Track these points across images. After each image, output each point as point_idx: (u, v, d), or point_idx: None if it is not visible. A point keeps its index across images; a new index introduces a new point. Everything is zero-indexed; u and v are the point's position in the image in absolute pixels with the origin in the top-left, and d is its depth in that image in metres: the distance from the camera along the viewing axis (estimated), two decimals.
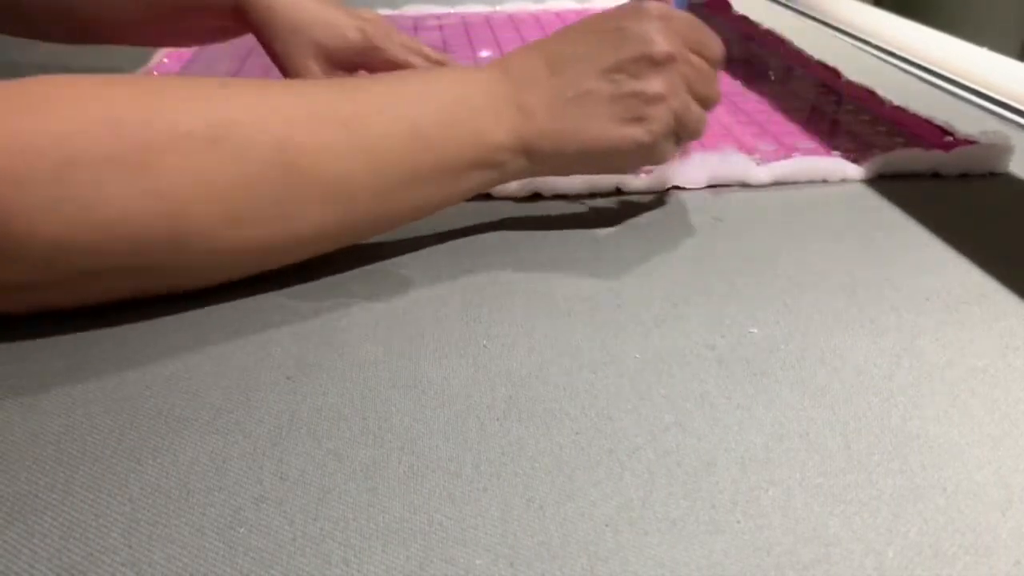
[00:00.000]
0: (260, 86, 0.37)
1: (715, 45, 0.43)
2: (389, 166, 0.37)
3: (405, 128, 0.37)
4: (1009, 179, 0.51)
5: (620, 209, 0.47)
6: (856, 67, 0.68)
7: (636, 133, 0.40)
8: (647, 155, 0.41)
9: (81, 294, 0.36)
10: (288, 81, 0.38)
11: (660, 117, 0.40)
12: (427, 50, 0.59)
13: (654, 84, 0.39)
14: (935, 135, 0.54)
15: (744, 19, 0.84)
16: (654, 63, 0.39)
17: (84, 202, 0.31)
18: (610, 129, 0.40)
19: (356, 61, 0.57)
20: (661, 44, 0.39)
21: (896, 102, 0.59)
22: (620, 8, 0.41)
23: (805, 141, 0.55)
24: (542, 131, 0.39)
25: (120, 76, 0.33)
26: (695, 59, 0.41)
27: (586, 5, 0.94)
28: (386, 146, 0.36)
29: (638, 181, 0.49)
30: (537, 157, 0.40)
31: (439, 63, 0.57)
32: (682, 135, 0.42)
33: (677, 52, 0.40)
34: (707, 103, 0.43)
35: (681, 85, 0.40)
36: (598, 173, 0.43)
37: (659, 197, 0.49)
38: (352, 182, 0.36)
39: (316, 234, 0.37)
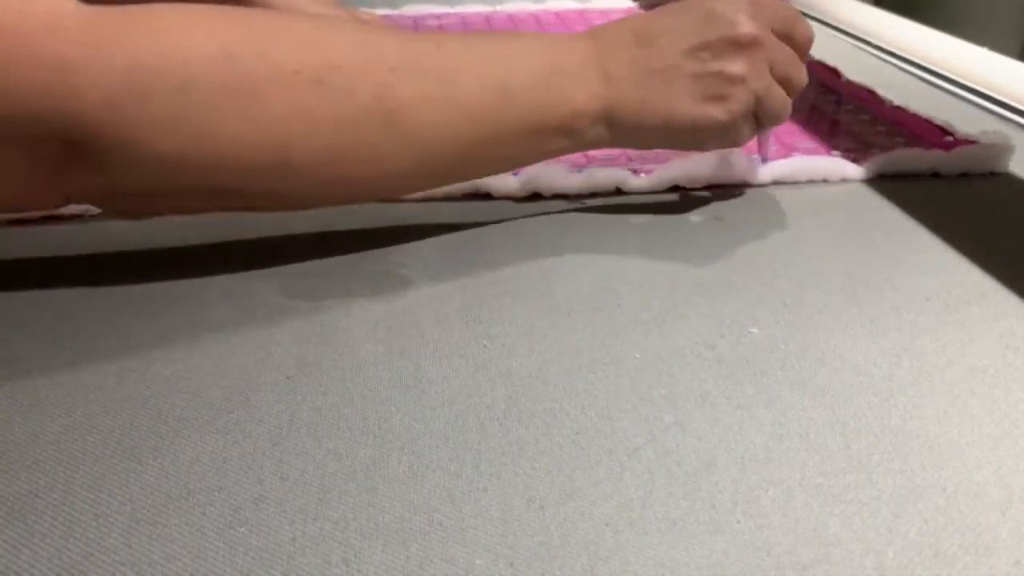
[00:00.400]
0: (365, 32, 0.38)
1: (804, 30, 0.43)
2: (478, 122, 0.38)
3: (496, 87, 0.38)
4: (1009, 179, 0.51)
5: (619, 209, 0.47)
6: (856, 67, 0.68)
7: (715, 111, 0.40)
8: (724, 135, 0.42)
9: (192, 206, 0.40)
10: (393, 29, 0.40)
11: (740, 98, 0.40)
12: None
13: (737, 65, 0.40)
14: (935, 135, 0.54)
15: None
16: (739, 45, 0.40)
17: (199, 123, 0.33)
18: (690, 105, 0.40)
19: None
20: (747, 27, 0.40)
21: (896, 102, 0.59)
22: None
23: (805, 141, 0.55)
24: (624, 98, 0.40)
25: (231, 9, 0.35)
26: (780, 43, 0.42)
27: (586, 5, 0.94)
28: (477, 103, 0.38)
29: (638, 181, 0.49)
30: (618, 126, 0.41)
31: None
32: (763, 119, 0.42)
33: (763, 35, 0.41)
34: (792, 87, 0.43)
35: (764, 68, 0.41)
36: (676, 148, 0.44)
37: (659, 197, 0.49)
38: (442, 134, 0.38)
39: (404, 177, 0.39)
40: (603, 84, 0.40)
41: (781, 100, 0.42)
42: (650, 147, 0.43)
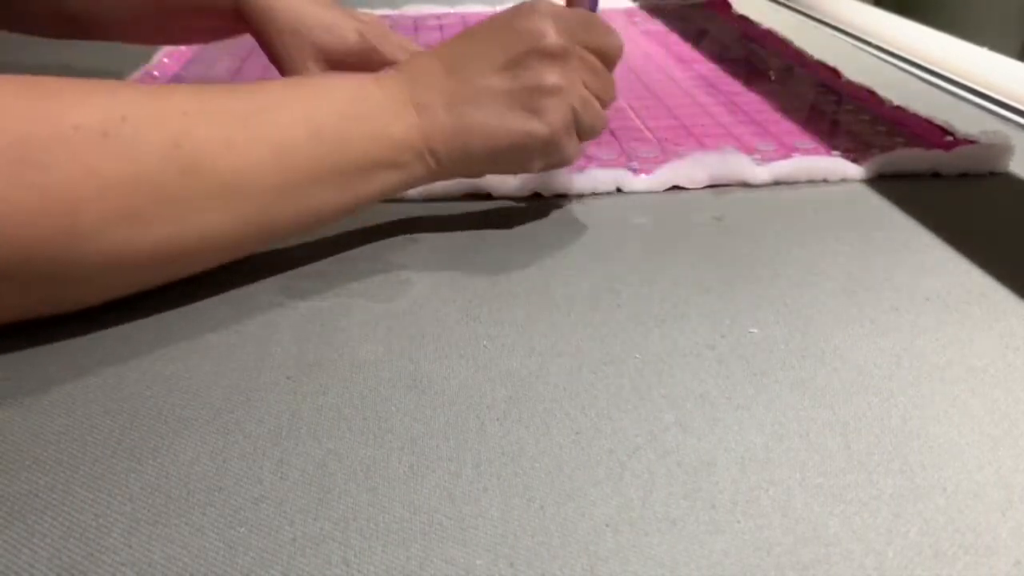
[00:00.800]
0: (159, 87, 0.36)
1: (611, 43, 0.42)
2: (290, 163, 0.36)
3: (304, 125, 0.36)
4: (1009, 179, 0.51)
5: (619, 209, 0.47)
6: (856, 67, 0.68)
7: (533, 125, 0.39)
8: (549, 150, 0.41)
9: None
10: (188, 84, 0.37)
11: (557, 108, 0.40)
12: (424, 51, 0.59)
13: (549, 76, 0.39)
14: (935, 135, 0.54)
15: (744, 19, 0.85)
16: (547, 56, 0.39)
17: None
18: (508, 122, 0.39)
19: (354, 63, 0.57)
20: (554, 37, 0.39)
21: (896, 102, 0.59)
22: (513, 7, 0.41)
23: (805, 141, 0.55)
24: (443, 129, 0.39)
25: (8, 75, 0.32)
26: (590, 56, 0.41)
27: None
28: (286, 143, 0.36)
29: (638, 181, 0.49)
30: (443, 156, 0.40)
31: None
32: (580, 133, 0.42)
33: (571, 47, 0.40)
34: (604, 102, 0.42)
35: (577, 79, 0.40)
36: (505, 172, 0.43)
37: (659, 197, 0.49)
38: (252, 179, 0.35)
39: (217, 235, 0.35)
40: (418, 116, 0.39)
41: (597, 112, 0.41)
42: (481, 174, 0.43)
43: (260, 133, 0.35)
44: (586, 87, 0.41)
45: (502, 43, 0.40)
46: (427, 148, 0.39)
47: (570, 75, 0.40)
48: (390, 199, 0.48)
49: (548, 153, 0.41)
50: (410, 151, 0.39)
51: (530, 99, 0.39)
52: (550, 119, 0.39)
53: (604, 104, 0.43)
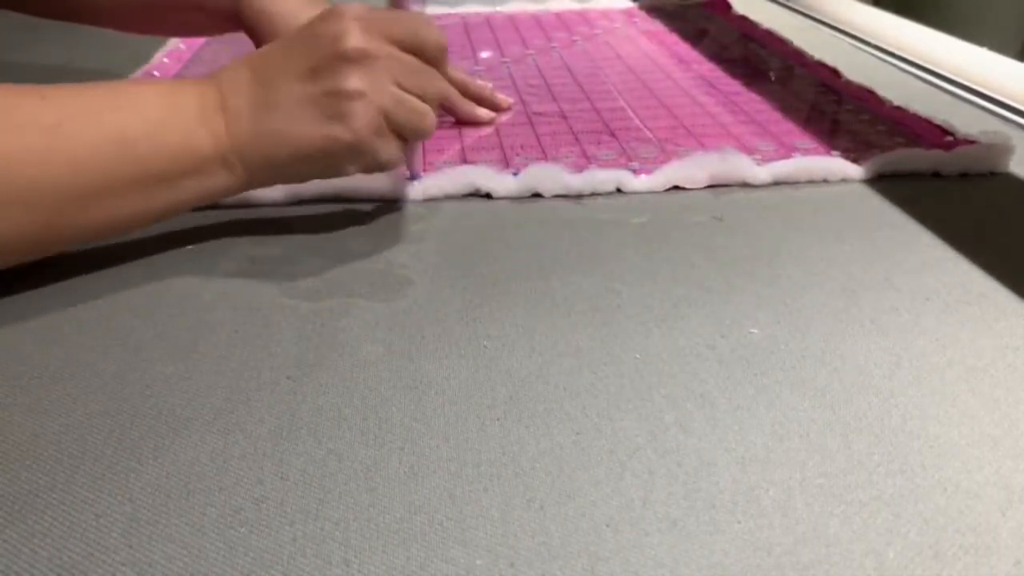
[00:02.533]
0: None
1: (427, 38, 0.41)
2: (93, 173, 0.36)
3: (112, 135, 0.37)
4: (1009, 179, 0.51)
5: (619, 209, 0.47)
6: (856, 67, 0.68)
7: (337, 131, 0.39)
8: (357, 155, 0.40)
9: None
10: (7, 87, 0.37)
11: (361, 114, 0.39)
12: None
13: (351, 80, 0.39)
14: (935, 135, 0.54)
15: (744, 19, 0.85)
16: (348, 60, 0.39)
17: None
18: (312, 129, 0.39)
19: None
20: (353, 41, 0.39)
21: (896, 102, 0.59)
22: (319, 14, 0.41)
23: (805, 141, 0.55)
24: (249, 137, 0.39)
25: None
26: (404, 55, 0.41)
27: (586, 5, 0.94)
28: (90, 153, 0.36)
29: (638, 181, 0.49)
30: (251, 163, 0.40)
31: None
32: (404, 134, 0.41)
33: (375, 48, 0.39)
34: (430, 98, 0.42)
35: (385, 81, 0.40)
36: (318, 178, 0.42)
37: (659, 197, 0.49)
38: (52, 188, 0.36)
39: (16, 239, 0.36)
40: (225, 124, 0.39)
41: (417, 112, 0.41)
42: (290, 182, 0.42)
43: (64, 144, 0.36)
44: (401, 87, 0.40)
45: (306, 49, 0.40)
46: (236, 155, 0.39)
47: (376, 77, 0.39)
48: (389, 199, 0.48)
49: (357, 157, 0.40)
50: (217, 161, 0.39)
51: (332, 104, 0.39)
52: (354, 123, 0.39)
53: (429, 101, 0.42)
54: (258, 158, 0.40)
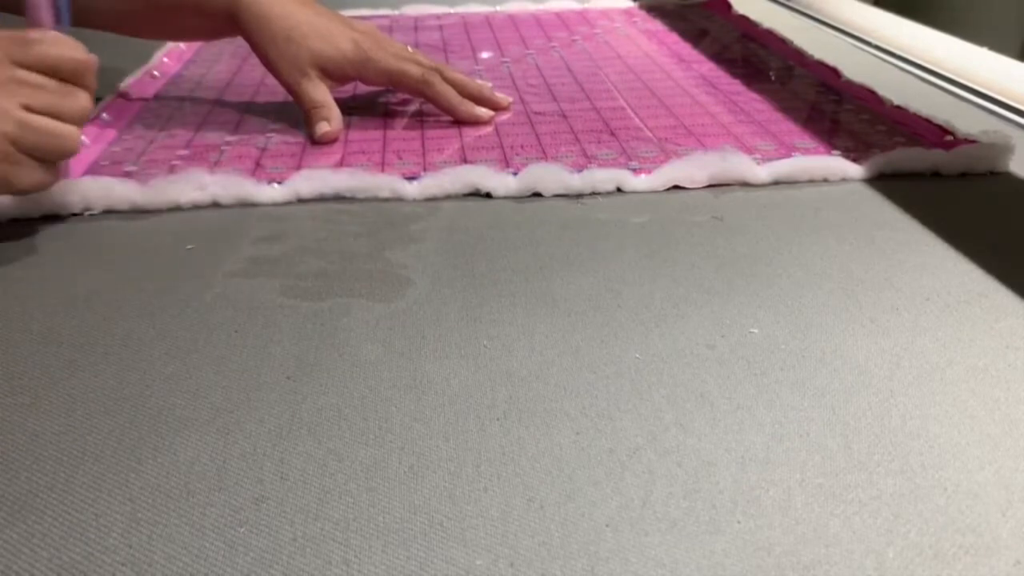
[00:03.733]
0: None
1: (63, 57, 0.41)
2: None
3: None
4: (1009, 179, 0.51)
5: (619, 208, 0.47)
6: (856, 67, 0.68)
7: None
8: None
9: None
10: None
11: None
12: (420, 57, 0.59)
13: None
14: (935, 134, 0.54)
15: (744, 19, 0.85)
16: None
17: None
18: None
19: (349, 71, 0.57)
20: None
21: (896, 102, 0.59)
22: None
23: (805, 141, 0.55)
24: None
25: None
26: (33, 76, 0.40)
27: (586, 5, 0.94)
28: None
29: (638, 181, 0.49)
30: None
31: (432, 70, 0.57)
32: (41, 156, 0.41)
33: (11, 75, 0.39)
34: (68, 118, 0.41)
35: (10, 107, 0.39)
36: None
37: (659, 197, 0.49)
38: None
39: None
40: None
41: (51, 134, 0.40)
42: None
43: None
44: (31, 109, 0.40)
45: None
46: None
47: None
48: (391, 199, 0.48)
49: None
50: None
51: None
52: None
53: (69, 119, 0.41)
54: None
